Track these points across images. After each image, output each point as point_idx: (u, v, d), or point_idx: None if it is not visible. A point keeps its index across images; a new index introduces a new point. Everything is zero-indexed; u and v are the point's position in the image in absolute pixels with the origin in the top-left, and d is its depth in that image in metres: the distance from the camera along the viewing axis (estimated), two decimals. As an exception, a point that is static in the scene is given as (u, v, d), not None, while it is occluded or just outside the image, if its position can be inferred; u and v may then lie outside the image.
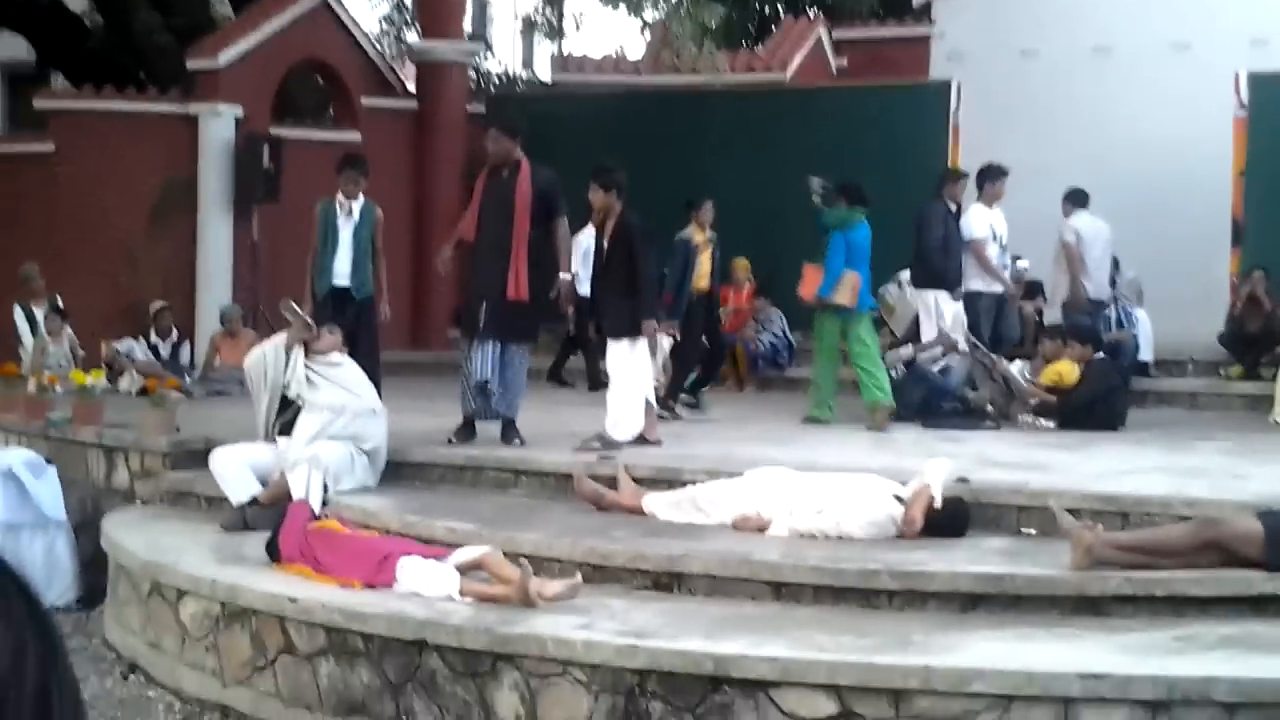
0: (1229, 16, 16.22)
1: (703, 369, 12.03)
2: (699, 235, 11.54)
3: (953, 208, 12.09)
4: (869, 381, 10.60)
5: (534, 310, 9.27)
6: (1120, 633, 5.73)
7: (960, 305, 11.85)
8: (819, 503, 7.03)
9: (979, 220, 12.02)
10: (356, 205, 10.37)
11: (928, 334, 11.83)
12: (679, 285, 11.27)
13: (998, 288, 12.16)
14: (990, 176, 12.13)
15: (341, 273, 10.23)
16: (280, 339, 8.69)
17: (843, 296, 10.62)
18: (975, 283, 11.99)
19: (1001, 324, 12.25)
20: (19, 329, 13.34)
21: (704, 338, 11.95)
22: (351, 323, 9.85)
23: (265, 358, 8.62)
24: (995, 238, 12.04)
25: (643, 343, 9.15)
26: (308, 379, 8.51)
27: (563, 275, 9.36)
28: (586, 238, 12.51)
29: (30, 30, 18.09)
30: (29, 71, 20.79)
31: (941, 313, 11.72)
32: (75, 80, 17.03)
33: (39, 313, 13.31)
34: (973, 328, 11.73)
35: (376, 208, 10.52)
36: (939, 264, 11.81)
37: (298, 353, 8.54)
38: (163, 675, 7.23)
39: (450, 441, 9.12)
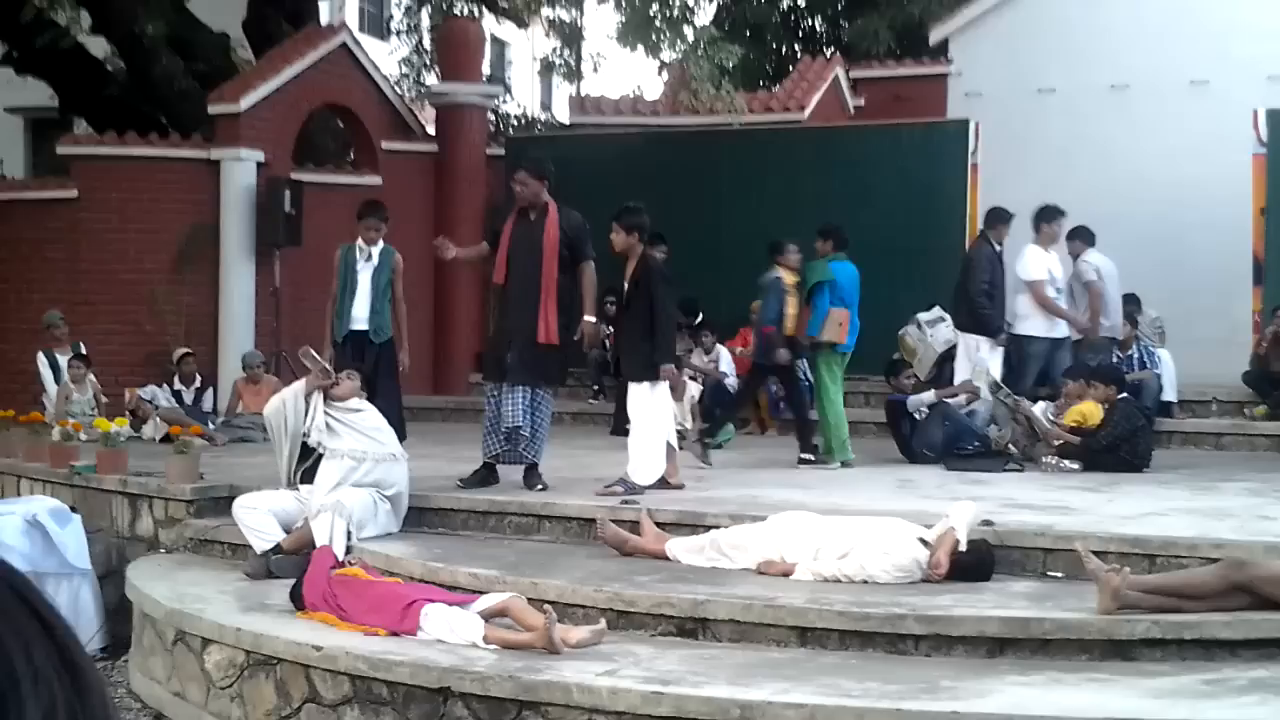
0: (1247, 53, 16.23)
1: (797, 420, 11.74)
2: (789, 277, 11.33)
3: (997, 249, 11.94)
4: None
5: (563, 355, 9.31)
6: (1150, 677, 5.68)
7: (999, 350, 11.77)
8: (843, 547, 7.01)
9: (1036, 262, 11.82)
10: (376, 250, 10.50)
11: (963, 377, 11.80)
12: (778, 324, 11.19)
13: (1057, 332, 11.91)
14: (1047, 217, 11.91)
15: (360, 317, 10.35)
16: (299, 386, 8.71)
17: (830, 333, 10.86)
18: (1029, 325, 11.79)
19: (1054, 369, 11.91)
20: (42, 375, 13.38)
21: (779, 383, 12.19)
22: (371, 367, 9.94)
23: (285, 406, 8.63)
24: (1052, 280, 11.84)
25: (663, 385, 9.16)
26: (328, 426, 8.53)
27: (587, 318, 9.35)
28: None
29: (53, 76, 18.28)
30: (52, 117, 21.00)
31: (981, 359, 11.66)
32: (98, 126, 17.19)
33: (62, 359, 13.36)
34: (1015, 371, 11.65)
35: (396, 253, 10.63)
36: (984, 309, 11.70)
37: (317, 399, 8.56)
38: (188, 725, 7.23)
39: (460, 484, 9.11)
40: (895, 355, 12.82)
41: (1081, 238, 12.87)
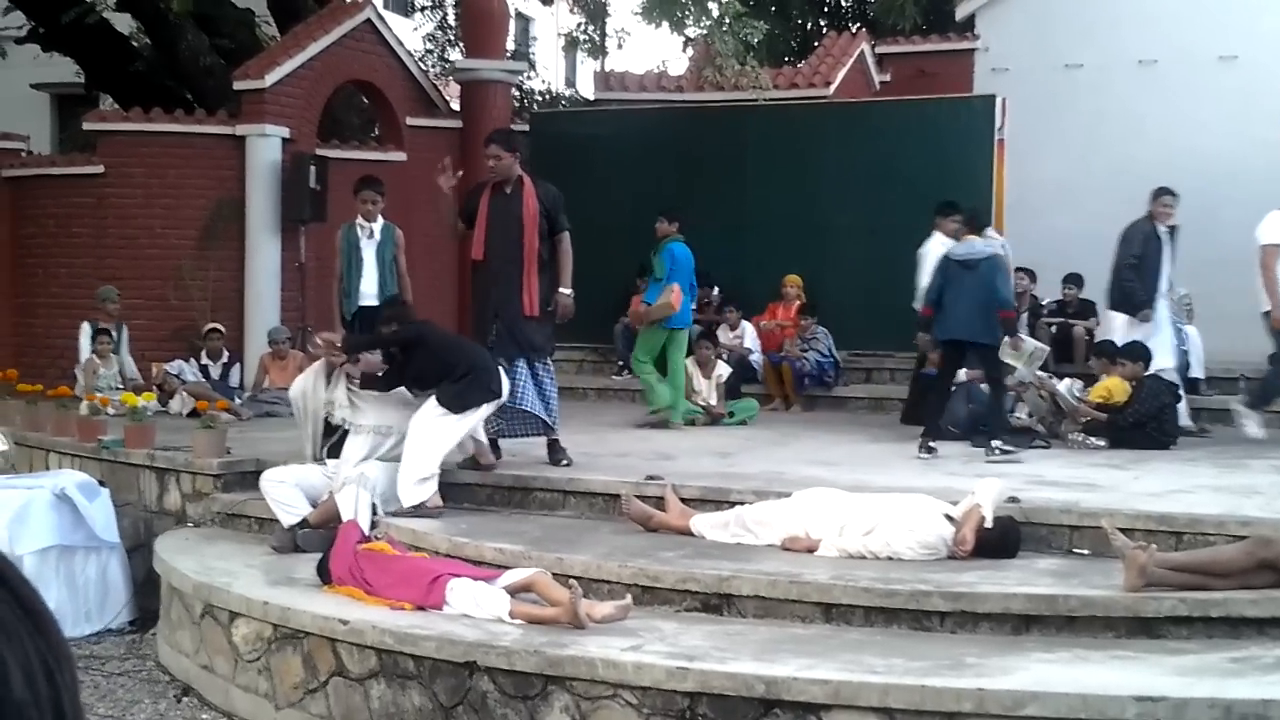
0: (1276, 28, 16.10)
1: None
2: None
3: (1161, 229, 11.72)
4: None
5: (549, 325, 9.31)
6: (1176, 654, 5.68)
7: (1142, 326, 11.48)
8: (868, 523, 7.00)
9: (1276, 227, 11.16)
10: (377, 226, 10.51)
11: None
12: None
13: None
14: None
15: (369, 293, 10.39)
16: (319, 366, 8.72)
17: (664, 307, 11.52)
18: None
19: None
20: (80, 345, 13.35)
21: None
22: None
23: (305, 386, 8.66)
24: None
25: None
26: (352, 402, 8.54)
27: (563, 290, 9.26)
28: (937, 247, 11.60)
29: (79, 53, 18.33)
30: (78, 93, 21.08)
31: (1032, 341, 11.46)
32: (124, 102, 17.22)
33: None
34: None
35: (396, 228, 10.65)
36: (1128, 281, 11.54)
37: (338, 378, 8.56)
38: (216, 698, 7.28)
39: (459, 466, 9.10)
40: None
41: (967, 223, 12.84)
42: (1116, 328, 11.69)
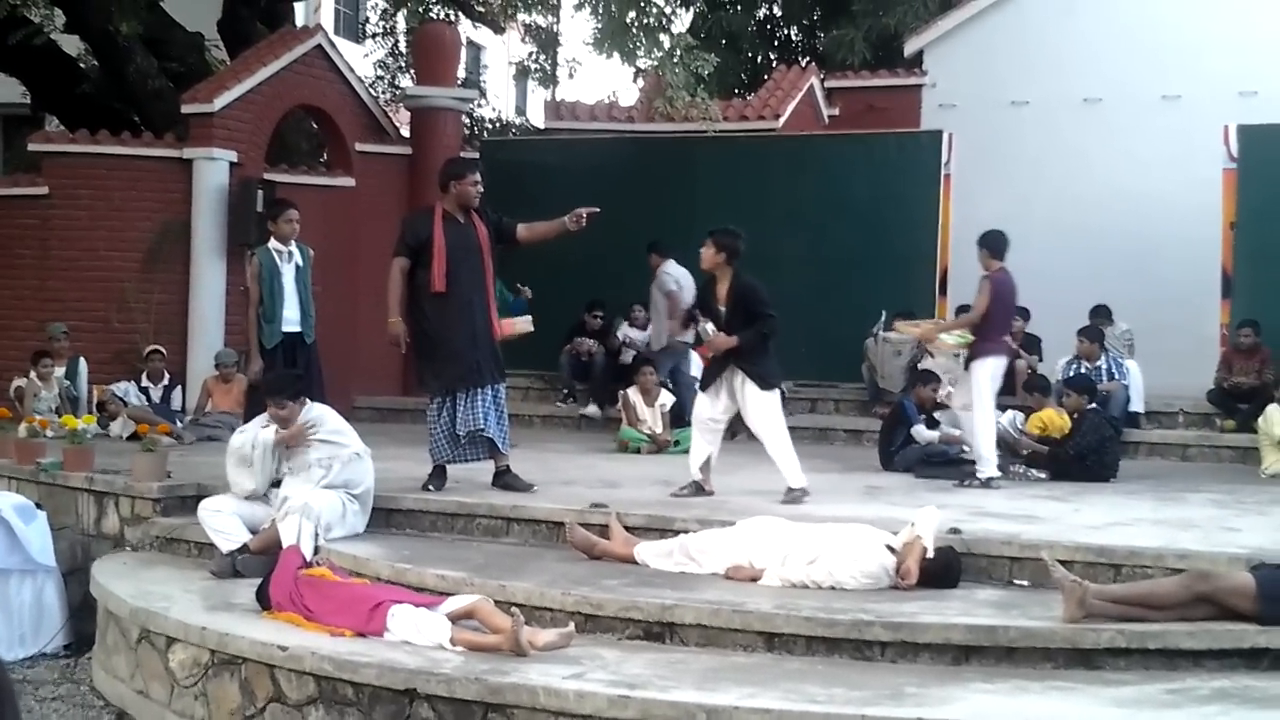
0: (1218, 69, 16.37)
1: None
2: None
3: None
4: None
5: None
6: (1113, 686, 5.72)
7: None
8: (811, 553, 7.02)
9: None
10: (294, 249, 10.38)
11: None
12: None
13: None
14: None
15: (292, 319, 10.27)
16: (271, 435, 8.42)
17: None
18: None
19: None
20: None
21: None
22: (303, 368, 9.95)
23: (253, 449, 8.44)
24: None
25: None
26: (289, 455, 8.43)
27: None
28: None
29: (26, 73, 18.17)
30: (24, 114, 20.89)
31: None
32: (70, 124, 17.08)
33: (58, 371, 13.20)
34: None
35: (309, 248, 10.56)
36: None
37: (282, 451, 8.44)
38: (151, 723, 7.19)
39: (429, 489, 9.08)
40: (920, 365, 12.76)
41: (658, 251, 13.61)
42: None
